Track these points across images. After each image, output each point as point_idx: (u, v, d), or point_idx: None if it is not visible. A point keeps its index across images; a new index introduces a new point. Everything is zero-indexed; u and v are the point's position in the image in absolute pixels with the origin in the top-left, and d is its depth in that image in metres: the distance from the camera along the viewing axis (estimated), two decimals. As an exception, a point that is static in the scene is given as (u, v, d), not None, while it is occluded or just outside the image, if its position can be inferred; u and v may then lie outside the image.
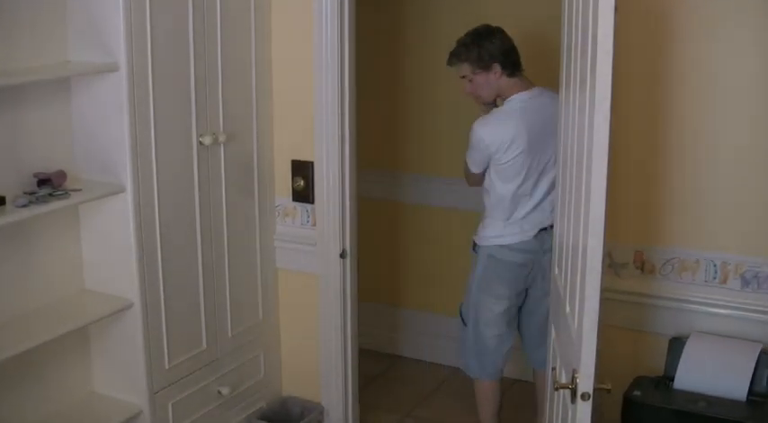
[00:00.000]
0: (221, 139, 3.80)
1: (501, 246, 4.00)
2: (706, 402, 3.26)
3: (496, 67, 3.95)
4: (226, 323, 4.02)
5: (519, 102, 3.96)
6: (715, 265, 3.52)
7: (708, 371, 3.37)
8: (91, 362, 3.70)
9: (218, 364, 4.01)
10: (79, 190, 3.31)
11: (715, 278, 3.53)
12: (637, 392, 3.36)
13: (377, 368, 5.00)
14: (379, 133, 5.28)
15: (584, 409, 2.53)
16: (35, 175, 3.26)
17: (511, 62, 3.98)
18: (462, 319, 4.16)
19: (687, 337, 3.49)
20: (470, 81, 4.02)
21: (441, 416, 4.54)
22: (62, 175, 3.32)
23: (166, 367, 3.71)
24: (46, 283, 3.46)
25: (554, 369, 3.21)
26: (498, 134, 3.90)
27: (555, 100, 3.62)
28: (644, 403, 3.31)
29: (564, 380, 2.87)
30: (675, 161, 3.51)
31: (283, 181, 4.18)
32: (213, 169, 3.81)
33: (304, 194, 4.15)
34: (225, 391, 4.04)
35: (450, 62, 4.03)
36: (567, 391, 2.69)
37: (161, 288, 3.61)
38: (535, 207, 3.97)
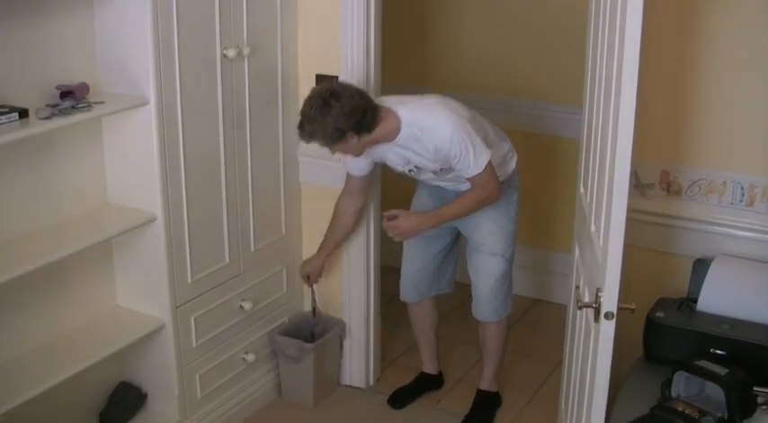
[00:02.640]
0: (245, 52, 3.76)
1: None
2: (729, 325, 3.25)
3: (351, 136, 3.51)
4: (249, 238, 4.03)
5: (409, 127, 3.61)
6: (742, 188, 3.48)
7: (731, 294, 3.35)
8: (114, 276, 3.72)
9: (241, 279, 4.03)
10: (102, 103, 3.29)
11: (742, 201, 3.50)
12: (660, 313, 3.35)
13: (399, 286, 5.01)
14: (406, 47, 5.22)
15: (608, 328, 2.53)
16: (58, 88, 3.24)
17: (366, 124, 3.51)
18: (509, 263, 4.02)
19: (712, 260, 3.47)
20: (331, 151, 3.66)
21: (461, 334, 4.56)
22: (85, 87, 3.29)
23: (189, 281, 3.72)
24: (69, 196, 3.47)
25: (577, 287, 3.20)
26: (460, 110, 3.66)
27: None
28: (666, 325, 3.31)
29: (587, 299, 2.87)
30: (704, 81, 3.46)
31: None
32: (237, 82, 3.78)
33: (328, 109, 4.11)
34: (247, 306, 4.06)
35: (300, 138, 3.60)
36: (591, 310, 2.69)
37: (184, 202, 3.61)
38: None
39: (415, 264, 4.18)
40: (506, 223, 3.94)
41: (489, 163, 3.63)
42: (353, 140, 3.53)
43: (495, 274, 3.97)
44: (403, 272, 4.23)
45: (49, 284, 3.42)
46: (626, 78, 2.35)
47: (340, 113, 3.44)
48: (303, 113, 3.52)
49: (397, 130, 3.60)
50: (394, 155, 3.74)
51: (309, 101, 3.52)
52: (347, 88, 3.56)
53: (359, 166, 3.87)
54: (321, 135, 3.49)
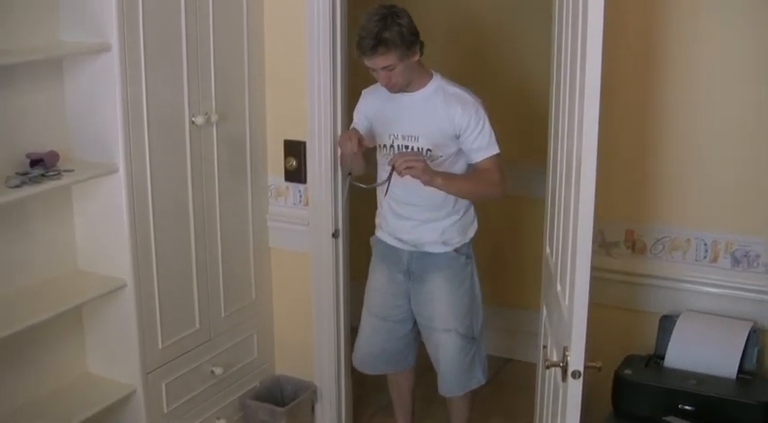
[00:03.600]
0: (214, 119, 3.80)
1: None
2: (696, 380, 3.28)
3: (417, 49, 3.53)
4: (219, 303, 4.03)
5: (438, 83, 3.66)
6: (705, 244, 3.53)
7: (698, 349, 3.38)
8: (84, 342, 3.71)
9: (212, 344, 4.02)
10: (72, 170, 3.32)
11: (705, 257, 3.54)
12: (627, 371, 3.38)
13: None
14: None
15: (575, 387, 2.54)
16: (28, 156, 3.26)
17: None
18: (465, 337, 3.88)
19: (678, 316, 3.50)
20: (391, 70, 3.52)
21: (433, 395, 4.55)
22: (55, 155, 3.32)
23: (160, 347, 3.72)
24: (39, 263, 3.47)
25: (545, 347, 3.22)
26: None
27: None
28: (634, 381, 3.33)
29: (555, 358, 2.89)
30: (667, 139, 3.52)
31: (276, 161, 4.18)
32: (206, 149, 3.81)
33: (297, 174, 4.15)
34: (218, 370, 4.05)
35: (373, 52, 3.45)
36: (558, 370, 2.70)
37: (154, 268, 3.62)
38: None
39: (374, 346, 4.07)
40: (461, 296, 3.82)
41: (500, 156, 3.62)
42: (416, 56, 3.54)
43: (450, 349, 3.87)
44: (361, 347, 4.10)
45: (18, 351, 3.41)
46: (586, 139, 2.39)
47: (409, 20, 3.49)
48: (371, 30, 3.44)
49: (426, 84, 3.64)
50: (399, 114, 3.68)
51: (373, 18, 3.46)
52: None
53: (362, 127, 3.81)
54: (400, 38, 3.44)
